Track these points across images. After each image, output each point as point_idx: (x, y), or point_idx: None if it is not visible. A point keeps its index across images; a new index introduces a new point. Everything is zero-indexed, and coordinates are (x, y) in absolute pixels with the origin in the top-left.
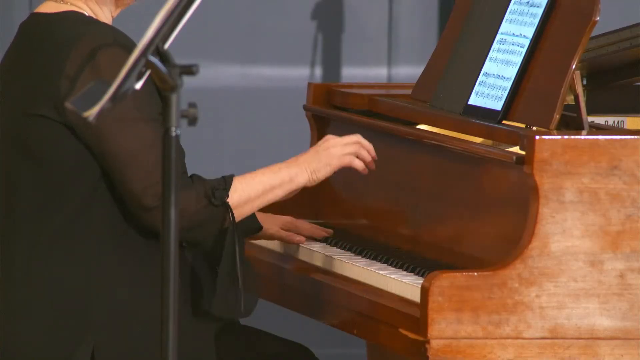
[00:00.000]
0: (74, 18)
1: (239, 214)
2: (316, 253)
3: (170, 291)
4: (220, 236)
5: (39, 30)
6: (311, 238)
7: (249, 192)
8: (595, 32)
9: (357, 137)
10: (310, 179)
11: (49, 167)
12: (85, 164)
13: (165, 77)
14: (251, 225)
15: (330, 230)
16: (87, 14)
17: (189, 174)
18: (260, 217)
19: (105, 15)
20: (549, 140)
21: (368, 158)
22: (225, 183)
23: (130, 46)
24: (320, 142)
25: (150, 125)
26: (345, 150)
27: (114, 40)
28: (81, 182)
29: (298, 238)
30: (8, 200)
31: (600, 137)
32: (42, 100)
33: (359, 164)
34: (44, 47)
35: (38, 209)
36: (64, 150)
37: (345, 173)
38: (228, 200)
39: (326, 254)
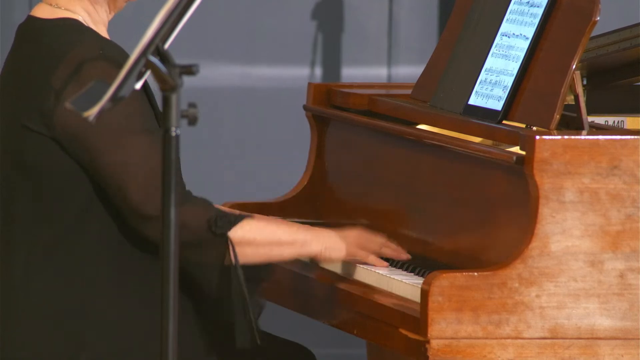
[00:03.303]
0: (66, 27)
1: (239, 252)
2: None
3: (170, 292)
4: (221, 273)
5: (32, 37)
6: None
7: (255, 235)
8: (595, 32)
9: (384, 240)
10: (322, 254)
11: (42, 179)
12: (79, 178)
13: (165, 77)
14: (254, 276)
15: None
16: (80, 19)
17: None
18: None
19: (101, 16)
20: (549, 140)
21: (394, 256)
22: (236, 218)
23: (118, 58)
24: (351, 229)
25: (141, 136)
26: (366, 246)
27: (101, 54)
28: (75, 195)
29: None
30: (6, 210)
31: (600, 137)
32: (32, 113)
33: (372, 259)
34: (35, 58)
35: (34, 220)
36: (56, 163)
37: (344, 173)
38: (230, 233)
39: None
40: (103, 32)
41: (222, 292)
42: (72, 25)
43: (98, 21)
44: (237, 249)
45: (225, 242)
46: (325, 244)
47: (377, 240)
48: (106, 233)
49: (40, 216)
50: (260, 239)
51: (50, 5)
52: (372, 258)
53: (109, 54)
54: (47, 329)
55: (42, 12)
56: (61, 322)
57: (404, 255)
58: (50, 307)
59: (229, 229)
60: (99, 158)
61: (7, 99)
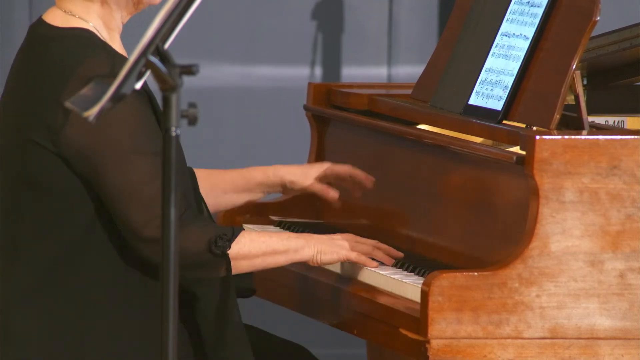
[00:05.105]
0: (76, 40)
1: (234, 266)
2: None
3: (170, 295)
4: (213, 288)
5: (42, 47)
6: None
7: (250, 248)
8: (595, 32)
9: (375, 242)
10: (314, 258)
11: (46, 195)
12: (83, 196)
13: (165, 77)
14: (242, 286)
15: (372, 180)
16: (92, 27)
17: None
18: (293, 169)
19: (116, 22)
20: (549, 140)
21: (384, 259)
22: (232, 234)
23: None
24: (340, 234)
25: (149, 158)
26: (357, 247)
27: (111, 70)
28: (79, 213)
29: (332, 193)
30: (10, 224)
31: (600, 137)
32: (38, 127)
33: (364, 260)
34: (44, 71)
35: (37, 236)
36: (61, 180)
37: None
38: (228, 251)
39: None
40: (116, 39)
41: (216, 304)
42: (83, 38)
43: (112, 27)
44: (233, 263)
45: (223, 260)
46: (317, 249)
47: (368, 242)
48: (109, 251)
49: (44, 232)
50: (254, 251)
51: (64, 11)
52: (362, 258)
53: (118, 70)
54: (46, 346)
55: (54, 18)
56: (61, 339)
57: (392, 259)
58: (51, 325)
59: (229, 247)
60: (103, 177)
61: (13, 110)
